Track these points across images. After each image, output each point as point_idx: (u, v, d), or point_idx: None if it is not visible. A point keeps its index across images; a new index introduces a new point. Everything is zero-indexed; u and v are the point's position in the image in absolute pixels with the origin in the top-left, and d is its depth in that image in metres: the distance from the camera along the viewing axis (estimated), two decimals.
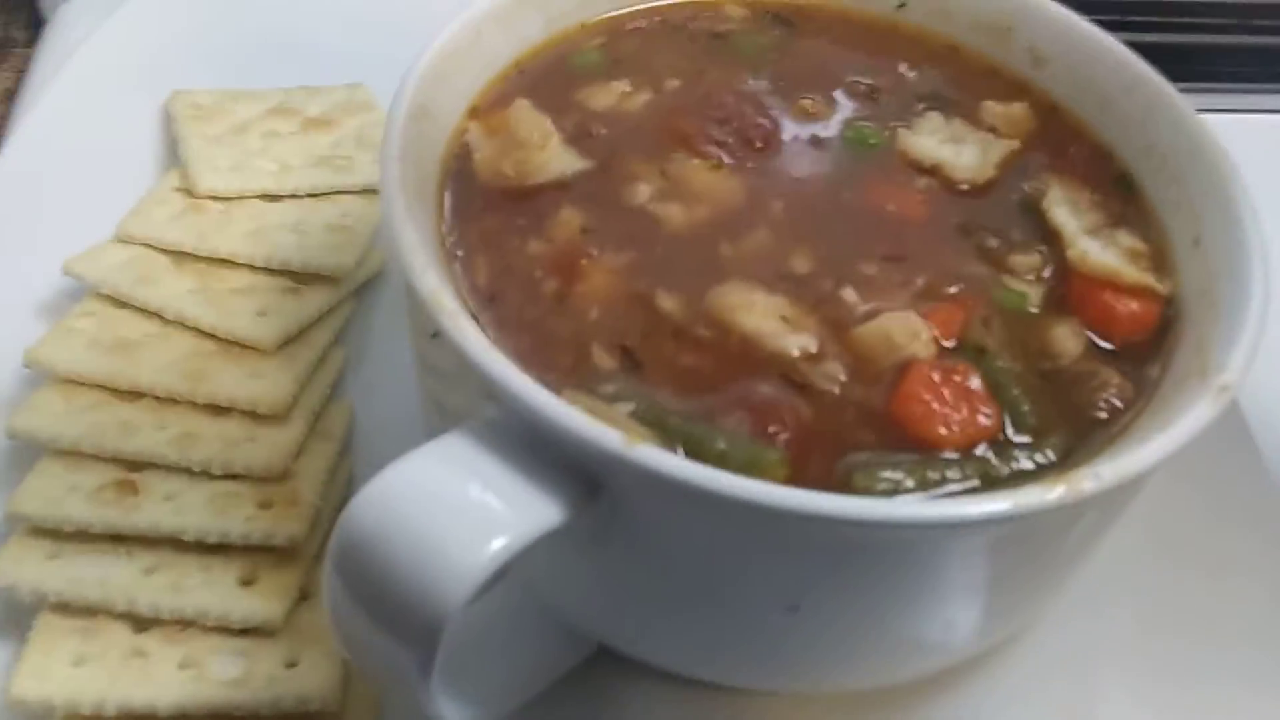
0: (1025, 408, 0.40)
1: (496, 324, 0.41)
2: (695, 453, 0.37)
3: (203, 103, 0.64)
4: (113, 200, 0.59)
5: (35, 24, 0.86)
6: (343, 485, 0.50)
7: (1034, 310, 0.44)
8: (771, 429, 0.38)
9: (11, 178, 0.62)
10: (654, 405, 0.38)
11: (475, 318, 0.40)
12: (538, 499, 0.35)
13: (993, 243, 0.46)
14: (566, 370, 0.40)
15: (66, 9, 0.81)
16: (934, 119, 0.51)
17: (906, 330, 0.42)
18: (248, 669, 0.42)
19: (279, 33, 0.72)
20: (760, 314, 0.42)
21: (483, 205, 0.45)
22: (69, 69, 0.67)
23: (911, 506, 0.34)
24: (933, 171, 0.49)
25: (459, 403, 0.43)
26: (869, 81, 0.53)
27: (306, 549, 0.46)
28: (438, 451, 0.36)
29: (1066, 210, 0.48)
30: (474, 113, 0.48)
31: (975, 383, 0.40)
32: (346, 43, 0.71)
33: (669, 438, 0.37)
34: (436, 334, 0.38)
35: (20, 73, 0.83)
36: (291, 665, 0.42)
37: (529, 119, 0.48)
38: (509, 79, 0.50)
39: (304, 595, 0.45)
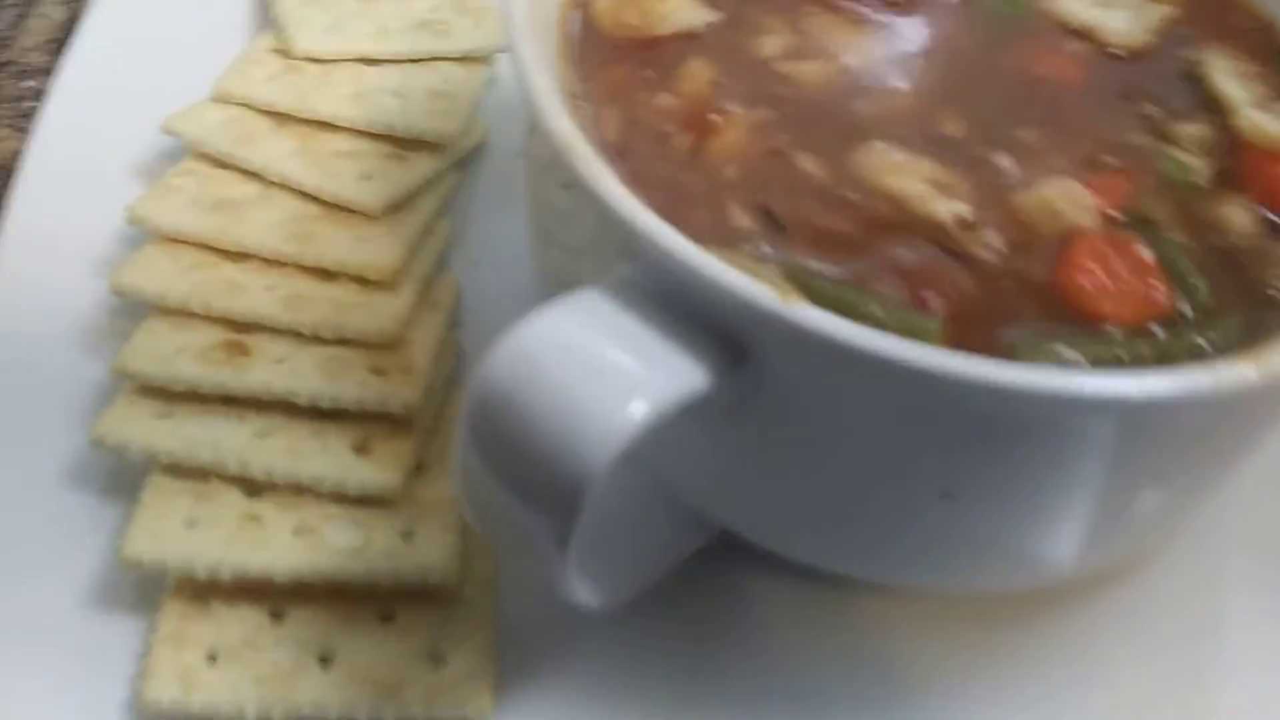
0: (1199, 284, 0.37)
1: (629, 179, 0.38)
2: (847, 318, 0.34)
3: None
4: (205, 64, 0.57)
5: None
6: (452, 359, 0.48)
7: (1202, 184, 0.41)
8: (927, 296, 0.36)
9: (100, 39, 0.60)
10: (800, 267, 0.36)
11: None
12: (681, 361, 0.33)
13: (1154, 111, 0.43)
14: (703, 229, 0.37)
15: None
16: None
17: (1070, 199, 0.39)
18: (364, 538, 0.40)
19: None
20: (909, 176, 0.39)
21: (606, 56, 0.42)
22: None
23: (1106, 380, 0.31)
24: (1084, 35, 0.45)
25: (588, 269, 0.40)
26: None
27: (420, 419, 0.44)
28: (574, 308, 0.33)
29: (1231, 80, 0.44)
30: None
31: (1146, 255, 0.38)
32: None
33: (818, 300, 0.35)
34: (569, 184, 0.36)
35: None
36: (408, 537, 0.41)
37: None
38: None
39: (419, 467, 0.43)
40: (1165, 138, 0.42)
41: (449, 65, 0.58)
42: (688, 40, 0.43)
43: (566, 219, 0.40)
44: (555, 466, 0.31)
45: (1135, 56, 0.45)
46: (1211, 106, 0.43)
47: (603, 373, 0.32)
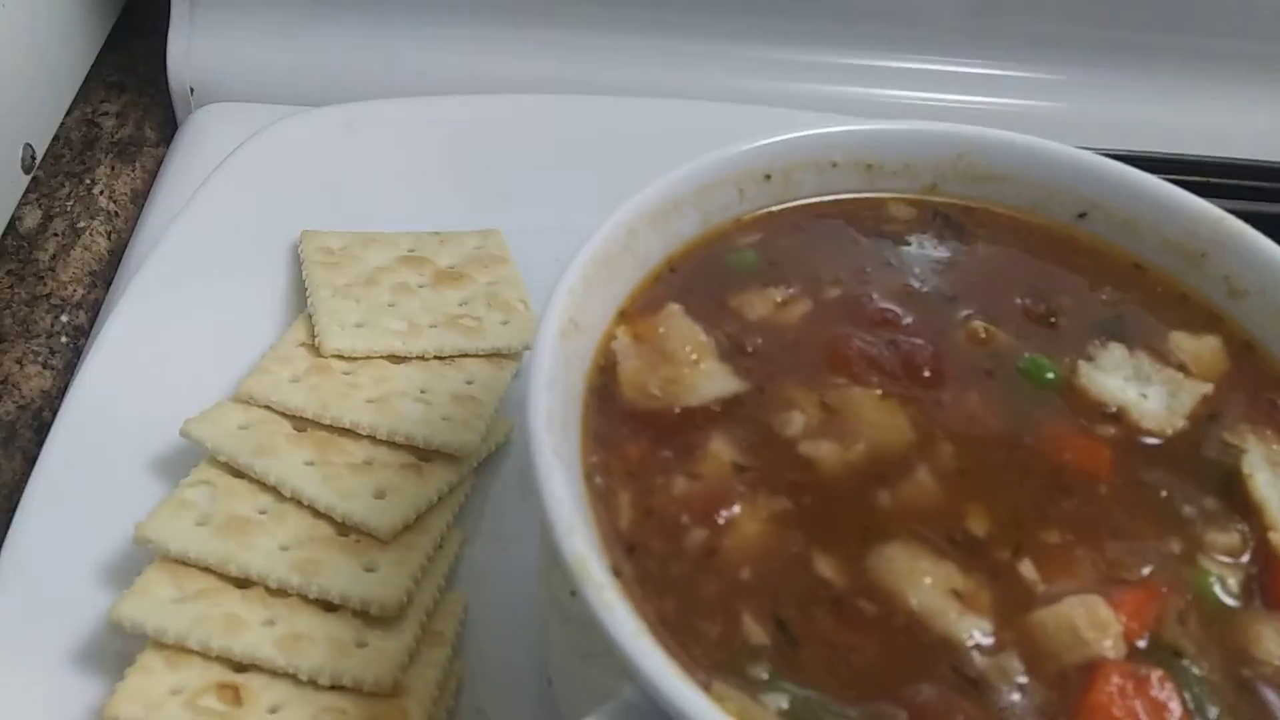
0: None
1: (637, 580, 0.38)
2: None
3: (333, 246, 0.62)
4: (237, 343, 0.58)
5: (169, 124, 0.87)
6: (451, 694, 0.46)
7: (1232, 602, 0.39)
8: None
9: (132, 323, 0.59)
10: (810, 703, 0.35)
11: (616, 573, 0.36)
12: None
13: (1187, 511, 0.41)
14: (714, 643, 0.36)
15: (201, 114, 0.81)
16: (1117, 352, 0.47)
17: (1095, 620, 0.37)
18: None
19: (411, 170, 0.70)
20: (929, 587, 0.38)
21: (627, 430, 0.42)
22: (193, 205, 0.65)
23: None
24: (1117, 417, 0.44)
25: (591, 646, 0.39)
26: (1045, 303, 0.49)
27: None
28: None
29: (1267, 479, 0.43)
30: (622, 317, 0.45)
31: (1167, 698, 0.36)
32: (480, 181, 0.69)
33: None
34: (575, 594, 0.35)
35: (151, 173, 0.83)
36: None
37: (681, 329, 0.45)
38: (661, 279, 0.47)
39: None
40: (1196, 544, 0.40)
41: (476, 362, 0.58)
42: (711, 415, 0.42)
43: (576, 619, 0.39)
44: None
45: (1171, 444, 0.43)
46: (1249, 508, 0.42)
47: None
